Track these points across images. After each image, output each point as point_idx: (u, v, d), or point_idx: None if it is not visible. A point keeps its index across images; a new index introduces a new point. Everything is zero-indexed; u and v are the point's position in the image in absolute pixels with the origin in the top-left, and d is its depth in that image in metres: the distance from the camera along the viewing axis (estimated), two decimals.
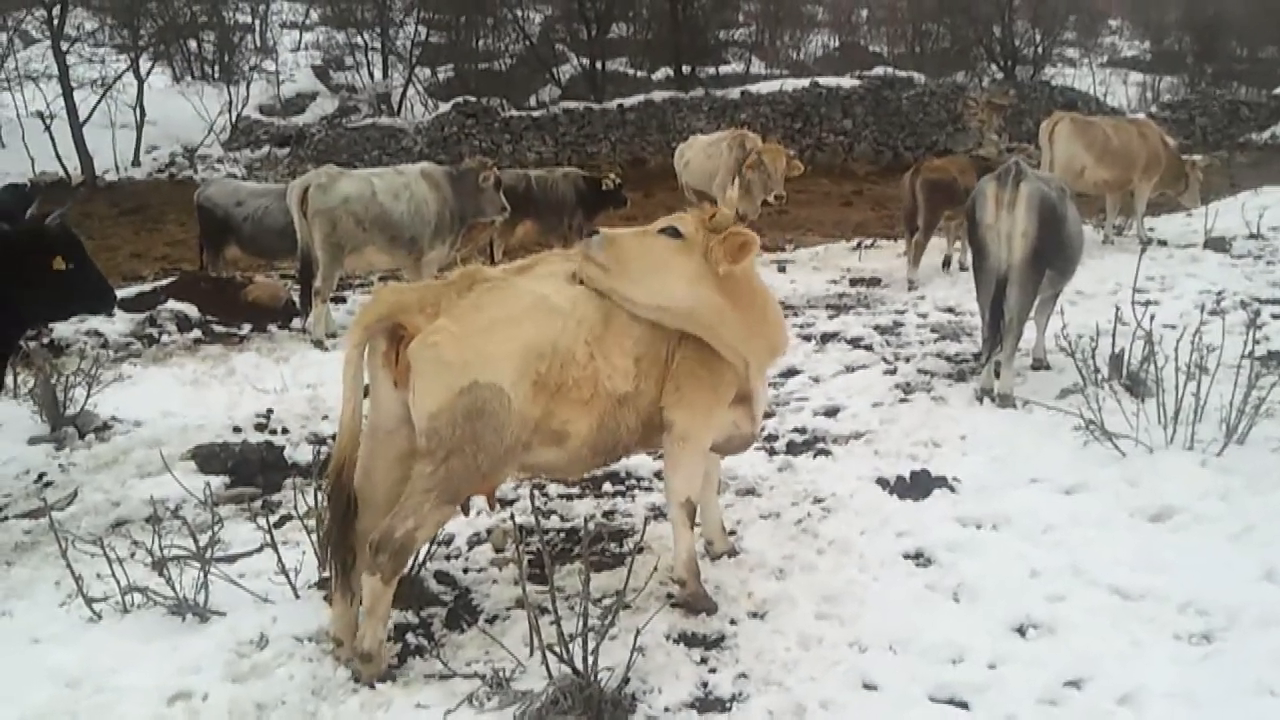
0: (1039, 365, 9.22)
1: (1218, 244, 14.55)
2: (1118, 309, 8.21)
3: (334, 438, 7.62)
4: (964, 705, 4.40)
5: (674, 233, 4.94)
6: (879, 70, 33.01)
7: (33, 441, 7.95)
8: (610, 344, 4.86)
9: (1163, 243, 15.32)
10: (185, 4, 33.42)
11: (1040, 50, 38.72)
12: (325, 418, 8.43)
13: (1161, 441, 6.86)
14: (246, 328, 12.06)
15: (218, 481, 7.12)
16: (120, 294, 12.11)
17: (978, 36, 38.26)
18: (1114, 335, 8.05)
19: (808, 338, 10.69)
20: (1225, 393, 6.84)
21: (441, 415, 4.51)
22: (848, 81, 31.50)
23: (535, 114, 30.54)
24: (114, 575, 5.24)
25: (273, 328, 12.16)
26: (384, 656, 4.77)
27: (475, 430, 4.52)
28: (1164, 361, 7.23)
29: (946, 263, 14.49)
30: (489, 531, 6.32)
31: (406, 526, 4.55)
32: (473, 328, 4.57)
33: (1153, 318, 7.66)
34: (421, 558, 5.55)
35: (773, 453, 7.53)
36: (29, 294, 7.06)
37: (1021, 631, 4.94)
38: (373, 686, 4.61)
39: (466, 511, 5.35)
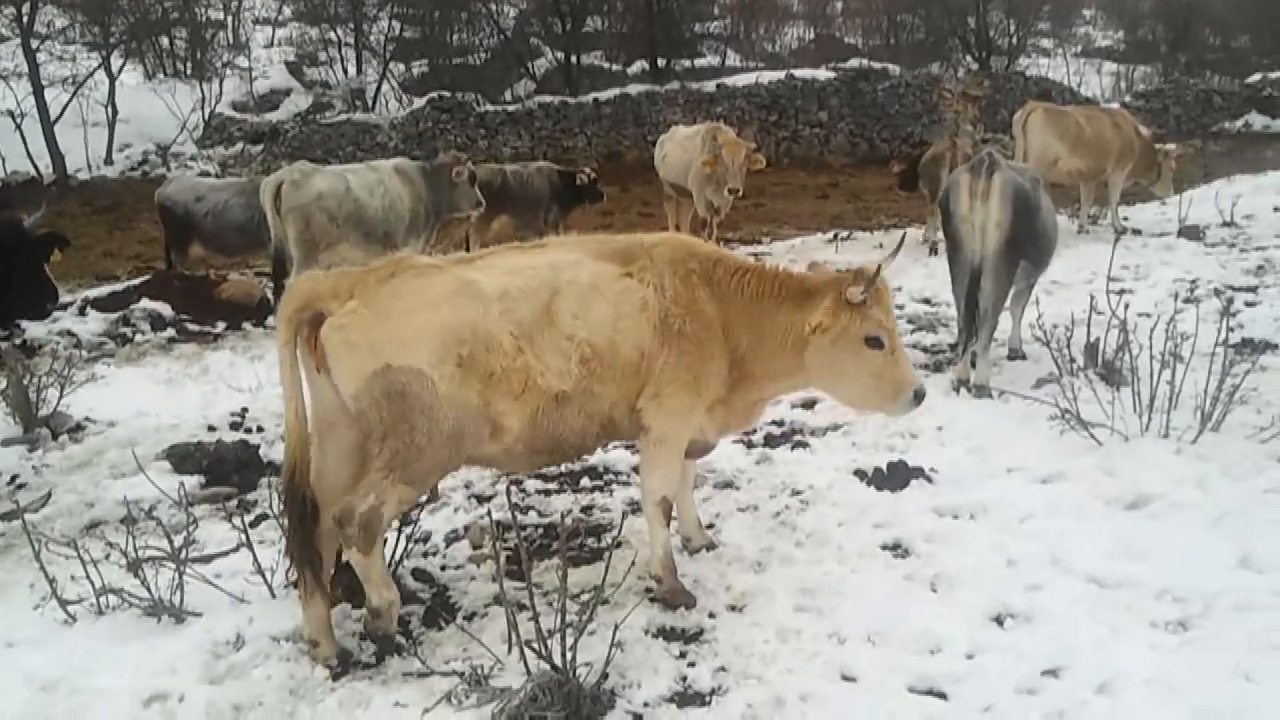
0: (1015, 355, 9.26)
1: (1192, 232, 14.64)
2: (1093, 298, 8.24)
3: None
4: (943, 695, 4.42)
5: (877, 343, 5.07)
6: (854, 62, 32.98)
7: (5, 443, 7.90)
8: (545, 342, 4.82)
9: (1137, 232, 15.41)
10: (156, 0, 33.14)
11: (1015, 41, 38.80)
12: None
13: (1137, 430, 6.89)
14: (221, 326, 12.02)
15: (192, 481, 7.08)
16: (93, 293, 12.18)
17: (952, 27, 38.30)
18: (1089, 324, 8.07)
19: None
20: (1200, 380, 6.88)
21: (362, 398, 4.57)
22: (823, 73, 31.43)
23: (510, 108, 30.37)
24: (89, 577, 5.21)
25: (247, 326, 12.12)
26: (393, 613, 4.86)
27: (402, 412, 4.55)
28: (1139, 350, 7.25)
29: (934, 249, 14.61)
30: (466, 528, 6.30)
31: (369, 502, 4.62)
32: (386, 312, 4.59)
33: (1127, 306, 7.70)
34: (399, 555, 5.53)
35: (750, 445, 7.52)
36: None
37: (999, 621, 4.95)
38: (393, 646, 4.81)
39: (435, 497, 5.33)
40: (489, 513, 6.09)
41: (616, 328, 4.95)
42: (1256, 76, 33.55)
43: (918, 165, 16.10)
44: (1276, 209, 16.45)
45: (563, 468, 7.04)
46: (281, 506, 4.90)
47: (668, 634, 5.03)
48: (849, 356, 5.11)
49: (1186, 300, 10.12)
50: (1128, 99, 33.14)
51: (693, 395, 5.14)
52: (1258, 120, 31.61)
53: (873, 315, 5.06)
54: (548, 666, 4.28)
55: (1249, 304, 10.50)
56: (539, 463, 5.29)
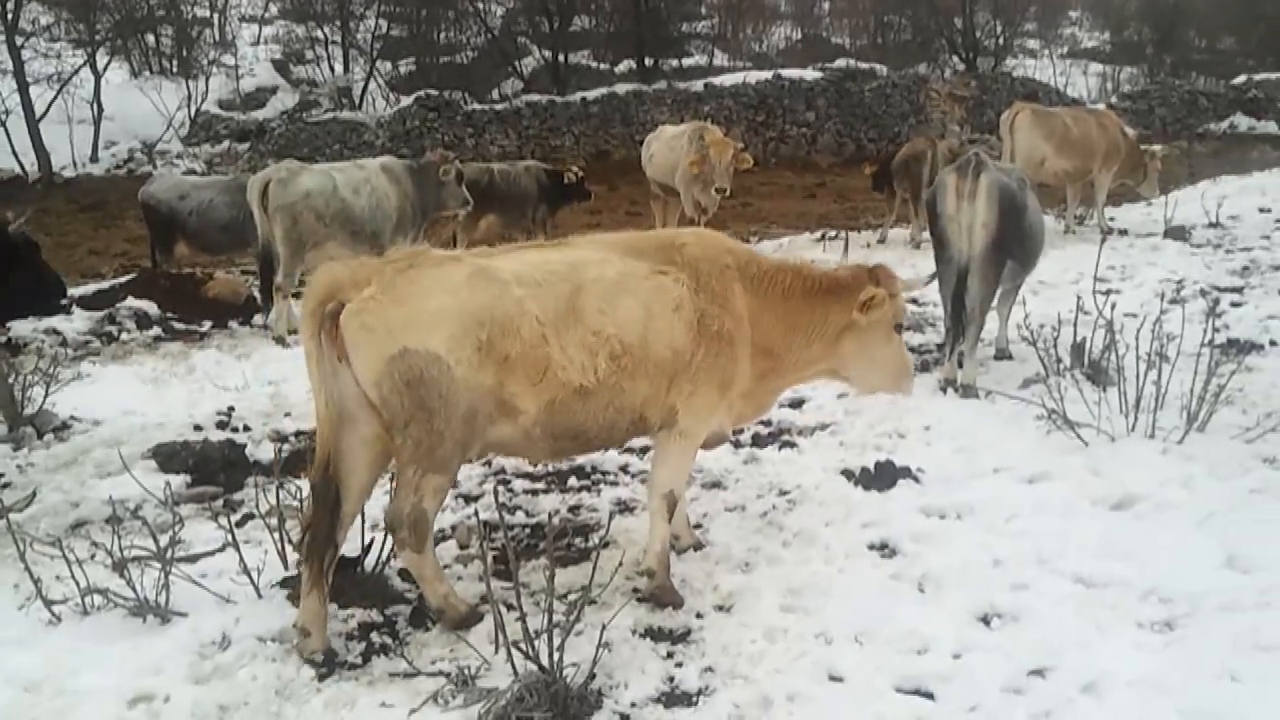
0: (1002, 355, 9.28)
1: (1178, 233, 14.71)
2: (1079, 298, 8.26)
3: (298, 435, 7.62)
4: (929, 695, 4.42)
5: (900, 328, 5.67)
6: (841, 62, 33.15)
7: None
8: (571, 336, 4.81)
9: (1123, 232, 15.48)
10: None
11: (1001, 41, 39.00)
12: (288, 415, 8.36)
13: (1123, 430, 6.91)
14: (207, 325, 11.96)
15: (178, 481, 7.02)
16: (79, 291, 12.10)
17: (939, 28, 38.46)
18: (1075, 324, 8.09)
19: None
20: (1186, 380, 6.91)
21: (383, 384, 4.57)
22: (810, 73, 31.53)
23: (498, 107, 30.37)
24: (74, 577, 5.17)
25: (234, 324, 12.06)
26: (454, 605, 5.00)
27: (421, 398, 4.56)
28: (1125, 350, 7.27)
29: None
30: (453, 528, 6.28)
31: (411, 501, 4.70)
32: (403, 297, 4.59)
33: (1114, 307, 7.72)
34: (385, 555, 5.51)
35: (738, 445, 7.52)
36: None
37: (986, 621, 4.95)
38: (478, 617, 4.99)
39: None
40: (476, 513, 6.08)
41: (648, 326, 4.95)
42: (1242, 78, 33.78)
43: (889, 165, 16.15)
44: (1262, 210, 16.58)
45: (549, 467, 7.04)
46: (311, 495, 4.87)
47: (655, 634, 5.02)
48: (882, 341, 5.57)
49: (1172, 301, 10.17)
50: (1114, 100, 33.32)
51: (720, 393, 5.19)
52: (1243, 121, 31.83)
53: (900, 304, 5.53)
54: (534, 667, 4.27)
55: (1234, 304, 10.55)
56: (562, 449, 5.27)
